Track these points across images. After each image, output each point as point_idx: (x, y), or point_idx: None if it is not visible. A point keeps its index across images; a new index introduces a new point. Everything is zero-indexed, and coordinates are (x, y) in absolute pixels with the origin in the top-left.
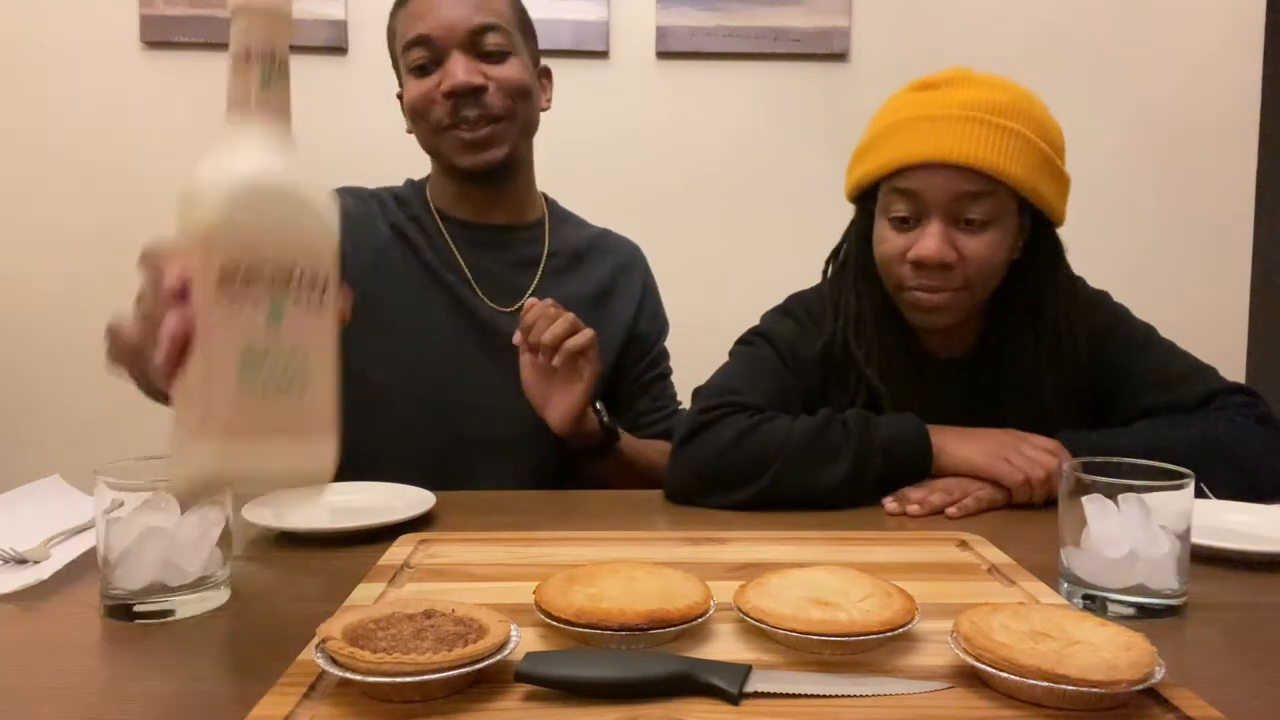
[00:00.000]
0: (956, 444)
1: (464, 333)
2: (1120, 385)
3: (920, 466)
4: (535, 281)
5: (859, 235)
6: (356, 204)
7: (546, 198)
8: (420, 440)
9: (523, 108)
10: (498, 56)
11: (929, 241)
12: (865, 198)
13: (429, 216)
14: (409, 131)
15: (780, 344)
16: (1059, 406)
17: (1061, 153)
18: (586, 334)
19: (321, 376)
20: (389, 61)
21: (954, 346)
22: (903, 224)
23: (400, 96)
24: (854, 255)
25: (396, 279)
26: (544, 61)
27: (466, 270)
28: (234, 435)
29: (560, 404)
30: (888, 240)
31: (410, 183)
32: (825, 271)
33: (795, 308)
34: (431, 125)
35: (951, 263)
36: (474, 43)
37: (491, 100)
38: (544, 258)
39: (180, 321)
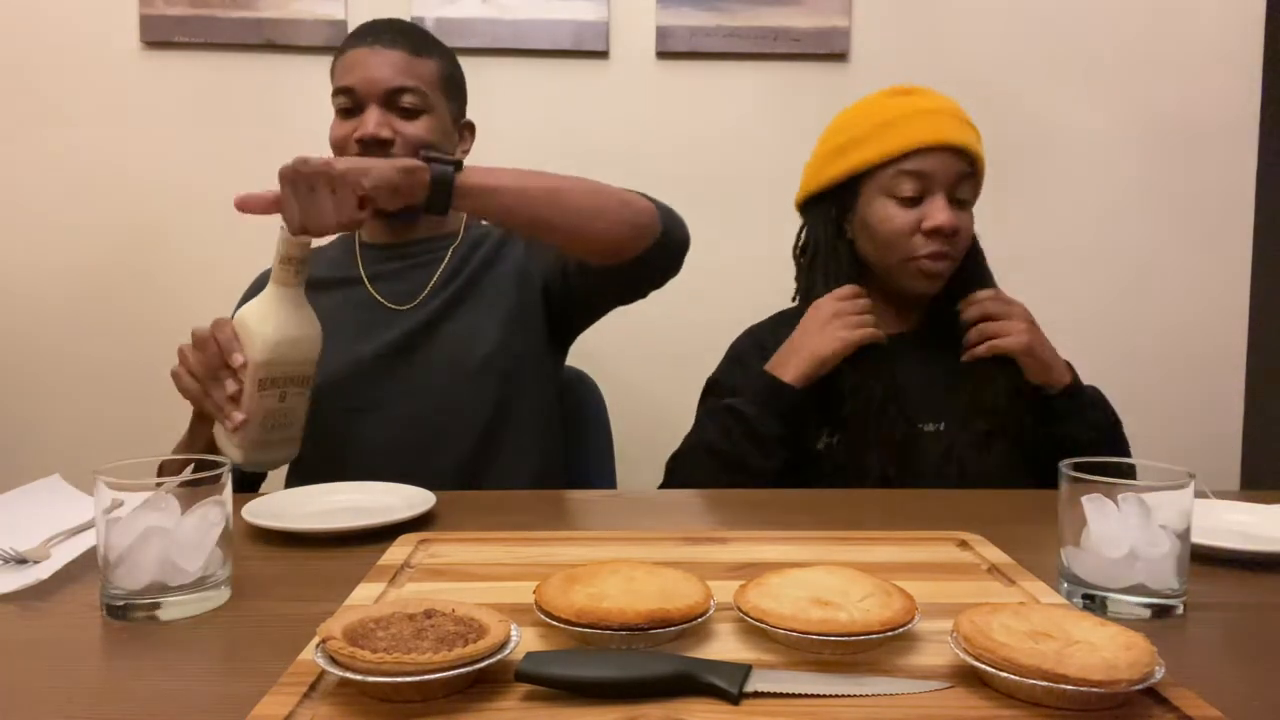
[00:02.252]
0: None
1: (365, 330)
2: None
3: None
4: (436, 275)
5: (828, 226)
6: None
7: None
8: (346, 436)
9: None
10: (411, 114)
11: (943, 213)
12: (842, 190)
13: (350, 241)
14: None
15: (726, 391)
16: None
17: None
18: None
19: (298, 421)
20: None
21: (906, 322)
22: (909, 202)
23: None
24: (823, 244)
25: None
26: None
27: (365, 275)
28: (253, 450)
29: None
30: (895, 218)
31: None
32: (796, 262)
33: (744, 348)
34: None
35: (960, 230)
36: (391, 100)
37: (397, 153)
38: (448, 256)
39: (235, 388)
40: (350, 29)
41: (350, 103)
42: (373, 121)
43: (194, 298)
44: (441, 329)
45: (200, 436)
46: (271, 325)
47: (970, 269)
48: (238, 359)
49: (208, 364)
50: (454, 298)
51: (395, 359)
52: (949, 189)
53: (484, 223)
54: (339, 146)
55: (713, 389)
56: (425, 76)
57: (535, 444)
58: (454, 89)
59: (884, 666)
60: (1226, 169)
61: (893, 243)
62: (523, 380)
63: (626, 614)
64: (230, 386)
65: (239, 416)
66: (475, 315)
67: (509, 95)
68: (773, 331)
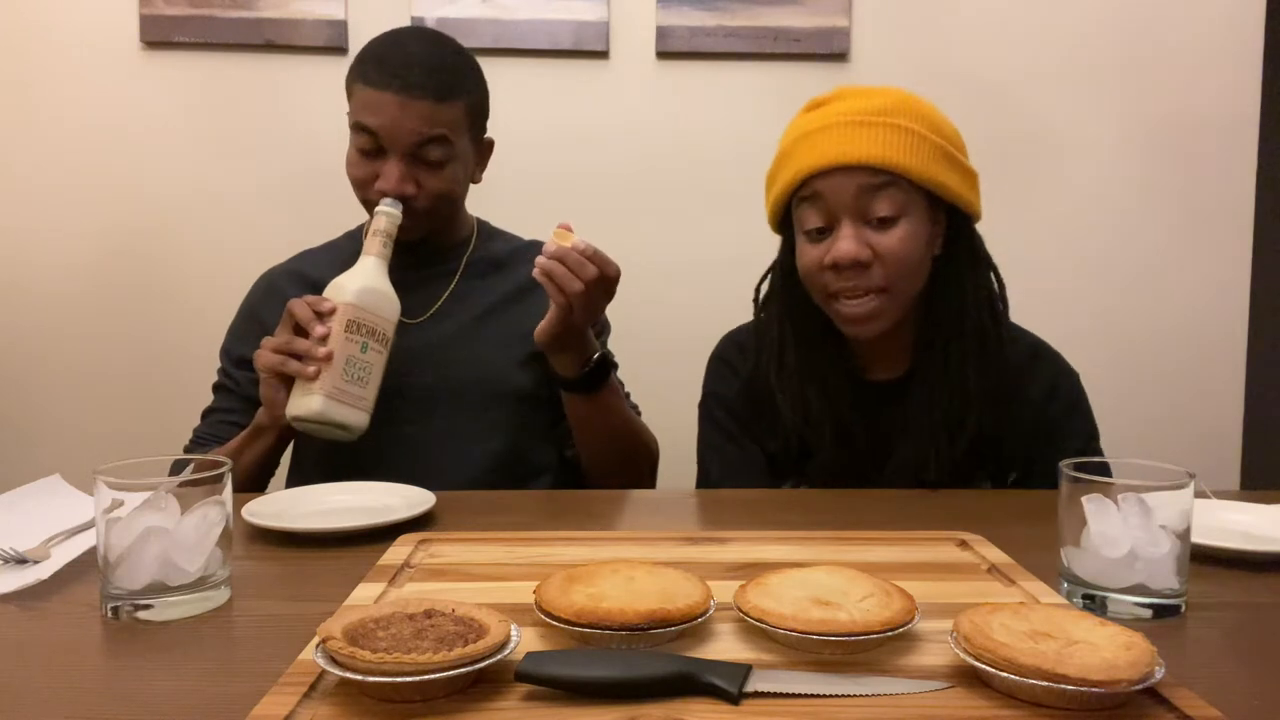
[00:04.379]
0: None
1: None
2: (1050, 448)
3: None
4: (450, 288)
5: (782, 262)
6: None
7: (479, 220)
8: (348, 453)
9: (445, 209)
10: (436, 164)
11: (843, 243)
12: (784, 224)
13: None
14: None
15: (728, 400)
16: (987, 418)
17: (960, 147)
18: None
19: (375, 381)
20: None
21: (890, 366)
22: (818, 234)
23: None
24: (779, 283)
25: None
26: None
27: None
28: (331, 397)
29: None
30: (806, 253)
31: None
32: (755, 303)
33: (728, 351)
34: (361, 196)
35: (867, 260)
36: (416, 152)
37: (417, 205)
38: (462, 268)
39: (323, 331)
40: (350, 30)
41: (371, 144)
42: (394, 177)
43: (194, 297)
44: (455, 354)
45: (264, 431)
46: (360, 277)
47: (948, 285)
48: (327, 305)
49: (296, 323)
50: (473, 324)
51: (400, 379)
52: (856, 211)
53: (498, 232)
54: (360, 187)
55: (709, 400)
56: (451, 123)
57: (546, 472)
58: (478, 118)
59: (884, 666)
60: (1226, 169)
61: (810, 282)
62: (536, 409)
63: (626, 614)
64: (318, 330)
65: (323, 350)
66: (494, 347)
67: (509, 95)
68: (748, 338)
